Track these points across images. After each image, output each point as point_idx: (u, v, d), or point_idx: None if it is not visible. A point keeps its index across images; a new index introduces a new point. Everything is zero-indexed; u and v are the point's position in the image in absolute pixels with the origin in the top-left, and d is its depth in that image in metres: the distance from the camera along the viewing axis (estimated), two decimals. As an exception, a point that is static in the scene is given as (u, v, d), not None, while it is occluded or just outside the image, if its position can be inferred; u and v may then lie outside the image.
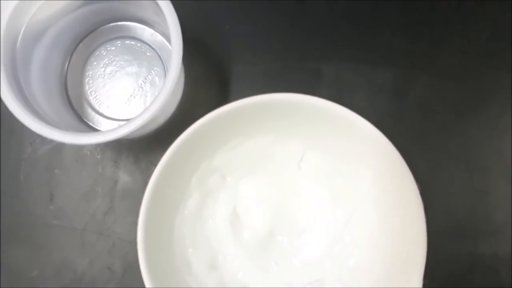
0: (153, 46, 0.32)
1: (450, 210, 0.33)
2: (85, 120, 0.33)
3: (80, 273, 0.32)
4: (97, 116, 0.32)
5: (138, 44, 0.33)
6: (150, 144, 0.33)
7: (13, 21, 0.26)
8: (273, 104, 0.28)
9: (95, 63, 0.33)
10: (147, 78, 0.32)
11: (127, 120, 0.32)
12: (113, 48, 0.33)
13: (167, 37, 0.32)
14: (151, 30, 0.33)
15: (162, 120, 0.32)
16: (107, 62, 0.33)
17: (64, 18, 0.30)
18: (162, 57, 0.32)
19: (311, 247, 0.31)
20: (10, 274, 0.32)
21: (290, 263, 0.30)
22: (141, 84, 0.32)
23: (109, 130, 0.26)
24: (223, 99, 0.33)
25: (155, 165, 0.33)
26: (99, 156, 0.33)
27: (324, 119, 0.29)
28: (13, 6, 0.26)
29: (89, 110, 0.33)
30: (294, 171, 0.31)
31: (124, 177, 0.33)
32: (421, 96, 0.33)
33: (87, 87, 0.33)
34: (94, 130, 0.33)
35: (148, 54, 0.32)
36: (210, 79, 0.34)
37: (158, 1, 0.25)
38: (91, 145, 0.33)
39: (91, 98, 0.32)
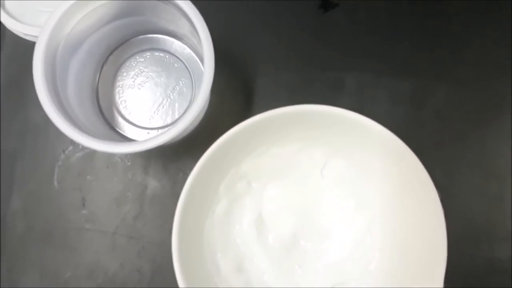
0: (181, 58, 0.34)
1: (467, 216, 0.34)
2: (116, 128, 0.34)
3: (111, 275, 0.34)
4: (127, 124, 0.34)
5: (167, 56, 0.34)
6: (178, 151, 0.34)
7: (56, 32, 0.27)
8: (298, 114, 0.29)
9: (125, 74, 0.34)
10: (175, 88, 0.34)
11: (156, 128, 0.34)
12: (143, 59, 0.34)
13: (194, 49, 0.34)
14: (180, 43, 0.34)
15: (190, 129, 0.33)
16: (137, 73, 0.34)
17: (99, 30, 0.31)
18: (189, 69, 0.34)
19: (334, 251, 0.32)
20: (44, 275, 0.34)
21: (313, 267, 0.32)
22: (169, 94, 0.34)
23: (142, 141, 0.27)
24: (248, 109, 0.34)
25: (183, 171, 0.34)
26: (129, 163, 0.34)
27: (346, 128, 0.30)
28: (57, 18, 0.27)
29: (120, 119, 0.34)
30: (317, 178, 0.32)
31: (153, 183, 0.34)
32: (439, 106, 0.34)
33: (117, 96, 0.34)
34: (124, 137, 0.34)
35: (176, 65, 0.34)
36: (235, 90, 0.35)
37: (194, 22, 0.27)
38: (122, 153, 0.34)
39: (121, 108, 0.34)
